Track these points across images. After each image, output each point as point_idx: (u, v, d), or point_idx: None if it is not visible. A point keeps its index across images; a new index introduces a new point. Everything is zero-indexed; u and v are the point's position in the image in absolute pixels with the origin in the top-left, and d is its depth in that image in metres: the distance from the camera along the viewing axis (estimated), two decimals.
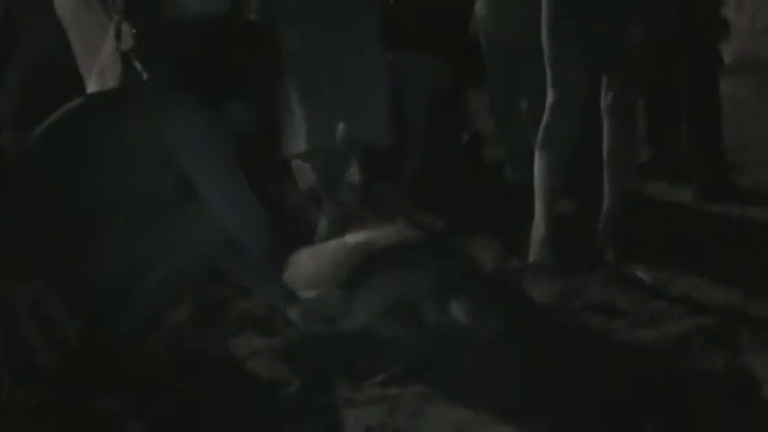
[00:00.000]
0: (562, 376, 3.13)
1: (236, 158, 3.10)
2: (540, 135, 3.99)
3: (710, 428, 2.79)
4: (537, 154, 3.98)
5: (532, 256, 3.88)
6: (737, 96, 5.67)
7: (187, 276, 3.10)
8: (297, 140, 4.38)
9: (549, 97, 3.95)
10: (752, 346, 3.23)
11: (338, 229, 4.01)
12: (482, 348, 3.20)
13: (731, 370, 3.06)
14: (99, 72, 3.77)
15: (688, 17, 4.42)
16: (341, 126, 4.45)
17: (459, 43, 5.22)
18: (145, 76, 3.63)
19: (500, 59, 4.94)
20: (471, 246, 4.09)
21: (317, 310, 3.35)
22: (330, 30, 4.24)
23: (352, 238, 3.59)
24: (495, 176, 5.04)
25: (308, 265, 3.57)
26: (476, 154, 5.32)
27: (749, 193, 4.64)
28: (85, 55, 3.96)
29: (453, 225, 4.35)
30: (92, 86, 3.74)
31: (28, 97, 4.53)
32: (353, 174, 4.89)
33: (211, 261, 3.14)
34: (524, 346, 3.26)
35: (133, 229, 2.94)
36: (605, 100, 3.95)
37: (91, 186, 2.98)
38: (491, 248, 4.11)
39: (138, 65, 3.65)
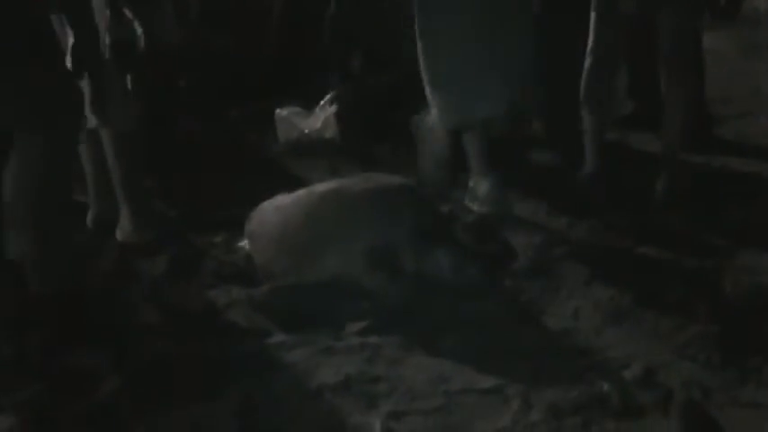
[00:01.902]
0: (543, 325, 3.12)
1: None
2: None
3: (692, 375, 2.79)
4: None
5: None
6: (721, 51, 5.62)
7: None
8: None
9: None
10: (734, 292, 3.24)
11: None
12: (462, 297, 3.18)
13: (713, 315, 3.05)
14: None
15: None
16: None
17: None
18: (136, 23, 3.57)
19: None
20: (453, 194, 4.07)
21: None
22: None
23: (320, 187, 3.50)
24: None
25: (275, 216, 3.49)
26: None
27: (731, 144, 4.64)
28: None
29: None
30: None
31: None
32: (332, 127, 4.85)
33: None
34: (505, 294, 3.25)
35: None
36: None
37: None
38: None
39: (127, 11, 3.58)
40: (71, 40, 3.61)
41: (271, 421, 2.65)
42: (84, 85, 3.62)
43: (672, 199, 3.93)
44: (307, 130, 4.85)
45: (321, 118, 4.84)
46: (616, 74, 4.12)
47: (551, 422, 2.58)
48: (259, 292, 3.32)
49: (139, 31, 3.54)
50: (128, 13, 3.54)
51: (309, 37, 5.40)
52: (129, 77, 3.64)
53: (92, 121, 3.66)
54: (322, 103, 4.88)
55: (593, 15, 3.95)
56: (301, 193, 3.51)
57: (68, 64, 3.62)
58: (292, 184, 4.19)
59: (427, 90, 3.98)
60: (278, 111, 4.98)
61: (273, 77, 5.31)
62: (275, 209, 3.51)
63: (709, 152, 4.49)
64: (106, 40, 3.54)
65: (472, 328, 3.04)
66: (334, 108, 4.83)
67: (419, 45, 3.95)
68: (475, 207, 3.95)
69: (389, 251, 3.27)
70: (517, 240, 3.60)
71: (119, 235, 3.79)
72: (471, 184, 4.02)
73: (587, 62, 4.01)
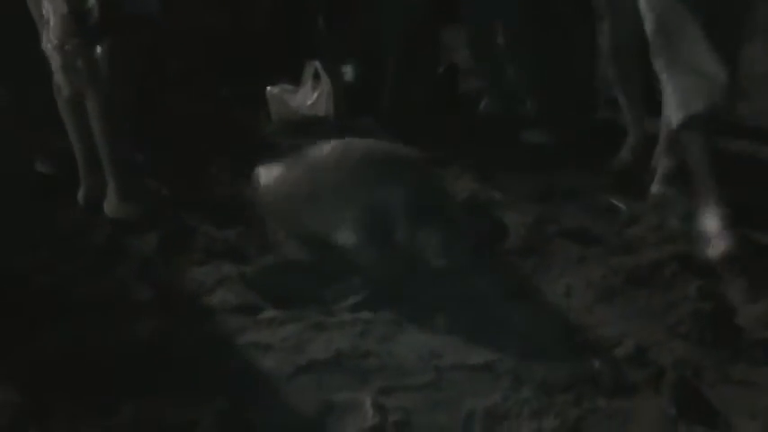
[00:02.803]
0: (534, 302, 3.12)
1: None
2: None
3: (683, 353, 2.78)
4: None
5: None
6: None
7: None
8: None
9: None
10: (726, 273, 3.22)
11: None
12: (454, 274, 3.17)
13: (705, 296, 3.05)
14: None
15: None
16: None
17: None
18: None
19: None
20: (446, 175, 4.05)
21: None
22: None
23: (329, 144, 3.43)
24: (470, 108, 5.00)
25: (281, 165, 3.48)
26: (451, 86, 5.27)
27: (726, 125, 4.61)
28: None
29: (428, 155, 4.28)
30: (46, 4, 3.66)
31: None
32: (327, 106, 4.84)
33: None
34: (497, 272, 3.24)
35: None
36: None
37: None
38: (465, 178, 4.08)
39: None
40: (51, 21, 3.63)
41: (261, 397, 2.64)
42: (53, 55, 3.64)
43: (667, 179, 3.92)
44: (299, 108, 4.84)
45: (313, 95, 4.83)
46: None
47: (542, 399, 2.57)
48: (250, 269, 3.32)
49: (92, 1, 3.54)
50: None
51: (301, 15, 5.38)
52: (96, 47, 3.63)
53: (65, 89, 3.67)
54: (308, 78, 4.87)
55: None
56: (310, 147, 3.47)
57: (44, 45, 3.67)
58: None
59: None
60: (269, 89, 4.97)
61: (265, 55, 5.30)
62: (283, 161, 3.50)
63: None
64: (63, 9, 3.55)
65: (464, 304, 3.02)
66: (326, 85, 4.81)
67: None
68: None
69: (383, 214, 3.22)
70: (509, 218, 3.60)
71: (106, 210, 3.77)
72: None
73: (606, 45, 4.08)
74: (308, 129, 4.67)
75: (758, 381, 2.66)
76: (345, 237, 3.18)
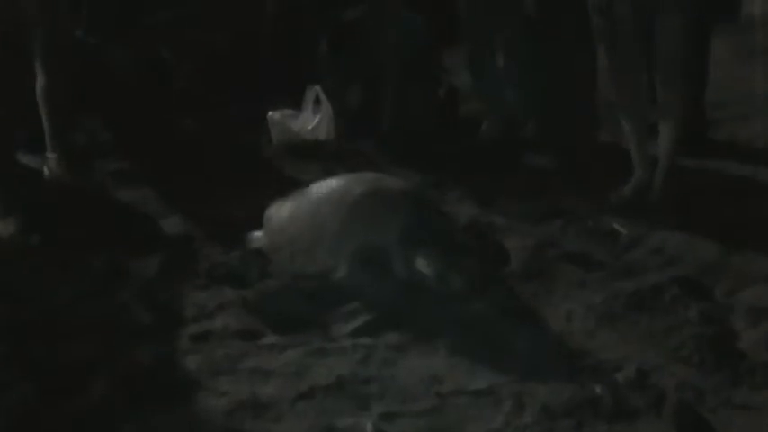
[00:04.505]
0: (536, 327, 3.11)
1: None
2: None
3: (685, 377, 2.78)
4: None
5: None
6: (715, 55, 5.63)
7: None
8: None
9: None
10: (726, 297, 3.24)
11: None
12: (455, 299, 3.17)
13: (706, 319, 3.05)
14: None
15: None
16: None
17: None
18: None
19: (476, 16, 4.90)
20: (446, 199, 4.07)
21: None
22: None
23: (332, 182, 3.56)
24: (471, 132, 5.01)
25: (286, 206, 3.57)
26: (451, 109, 5.29)
27: (725, 147, 4.65)
28: None
29: (428, 179, 4.31)
30: None
31: None
32: (328, 130, 4.86)
33: None
34: (498, 296, 3.24)
35: None
36: None
37: None
38: (466, 202, 4.09)
39: None
40: None
41: (262, 422, 2.63)
42: None
43: (666, 202, 3.93)
44: (300, 132, 4.85)
45: (314, 120, 4.85)
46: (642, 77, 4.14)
47: (544, 423, 2.57)
48: (251, 294, 3.32)
49: None
50: None
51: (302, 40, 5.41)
52: None
53: None
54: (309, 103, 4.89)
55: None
56: (316, 186, 3.59)
57: None
58: (286, 185, 4.21)
59: None
60: (270, 113, 4.99)
61: (267, 80, 5.32)
62: (290, 199, 3.59)
63: (703, 155, 4.49)
64: None
65: (465, 329, 3.03)
66: (327, 110, 4.83)
67: None
68: None
69: (377, 252, 3.27)
70: (510, 242, 3.60)
71: None
72: None
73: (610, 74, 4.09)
74: (310, 152, 4.68)
75: (760, 405, 2.66)
76: (343, 274, 3.24)
